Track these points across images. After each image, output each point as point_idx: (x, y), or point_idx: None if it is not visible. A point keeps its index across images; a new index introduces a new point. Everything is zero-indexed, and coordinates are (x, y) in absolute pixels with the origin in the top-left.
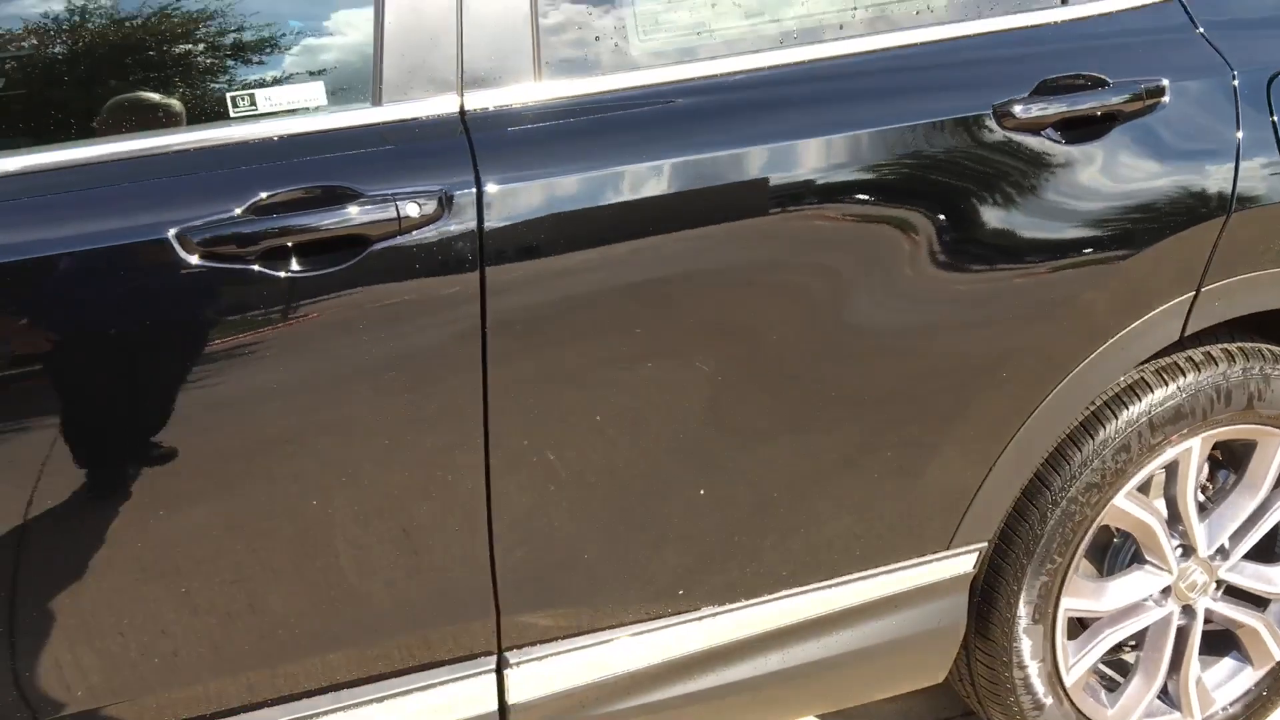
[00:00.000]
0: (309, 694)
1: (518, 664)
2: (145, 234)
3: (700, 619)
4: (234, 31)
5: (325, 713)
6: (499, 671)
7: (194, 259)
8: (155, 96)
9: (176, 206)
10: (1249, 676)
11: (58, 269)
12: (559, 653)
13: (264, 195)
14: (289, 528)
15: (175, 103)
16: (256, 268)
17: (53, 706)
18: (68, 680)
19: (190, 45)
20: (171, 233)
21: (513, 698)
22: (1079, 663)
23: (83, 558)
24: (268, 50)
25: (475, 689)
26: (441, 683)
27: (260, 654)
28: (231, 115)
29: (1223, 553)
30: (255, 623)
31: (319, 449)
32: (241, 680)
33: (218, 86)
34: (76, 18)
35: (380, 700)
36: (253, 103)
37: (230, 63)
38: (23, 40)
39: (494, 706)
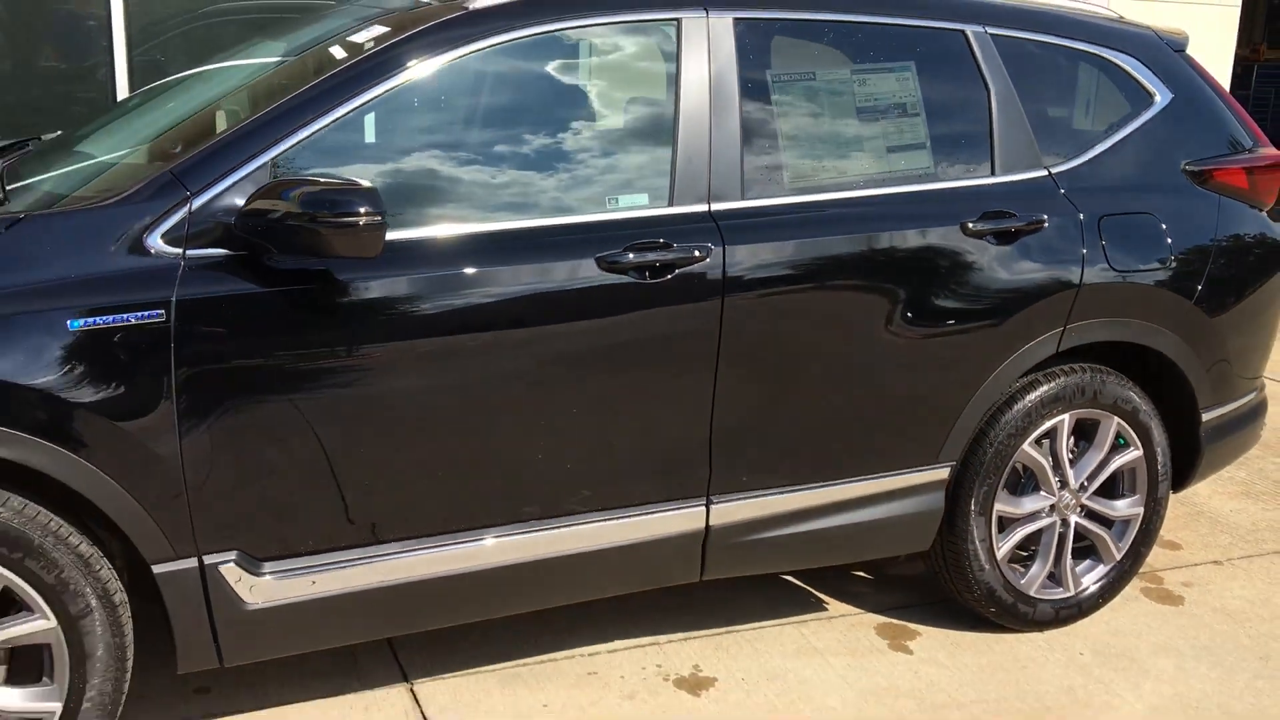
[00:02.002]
0: (597, 510)
1: (718, 502)
2: (585, 255)
3: (808, 489)
4: (610, 172)
5: (602, 521)
6: (707, 505)
7: (600, 271)
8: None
9: (593, 247)
10: (1102, 570)
11: (529, 277)
12: (740, 498)
13: (632, 243)
14: (616, 417)
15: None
16: (628, 276)
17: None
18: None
19: (590, 173)
20: (595, 257)
21: (714, 521)
22: (1004, 545)
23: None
24: (628, 175)
25: (691, 514)
26: (672, 510)
27: (583, 483)
28: (606, 208)
29: (1084, 488)
30: (588, 466)
31: (638, 370)
32: (567, 499)
33: (601, 194)
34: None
35: (634, 517)
36: (617, 203)
37: (608, 183)
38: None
39: (702, 525)
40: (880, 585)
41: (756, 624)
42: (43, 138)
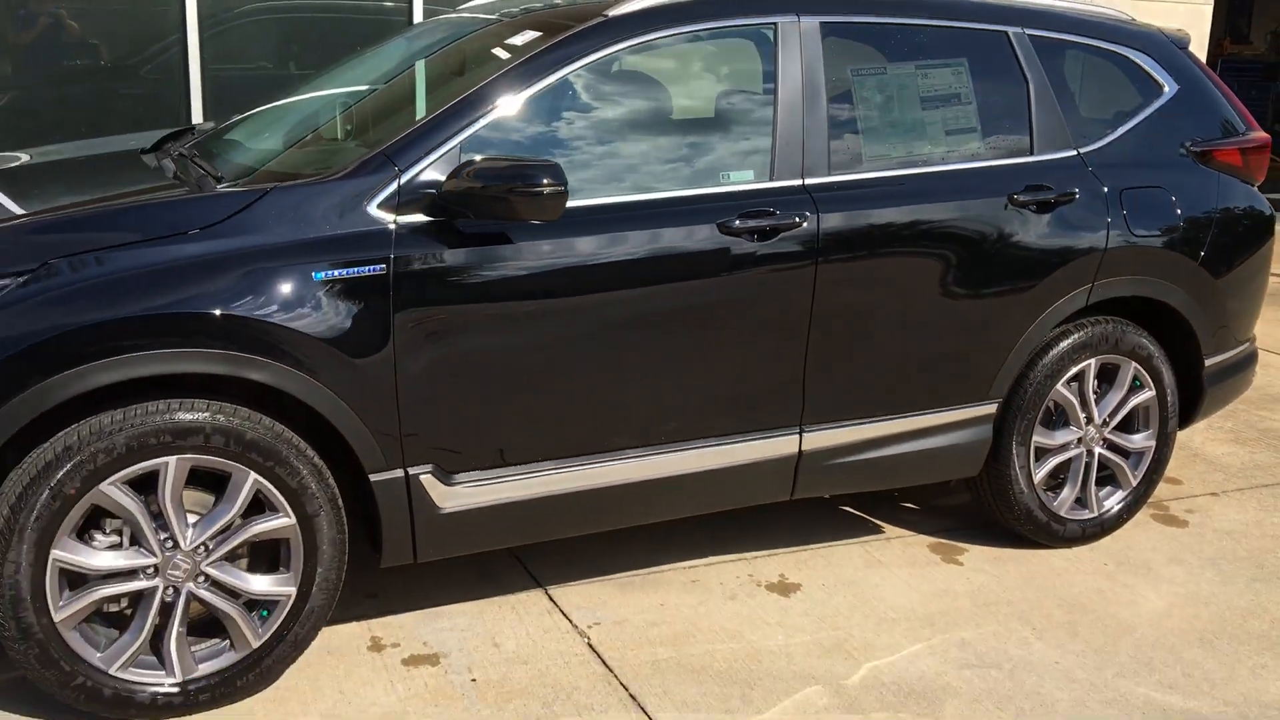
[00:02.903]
0: (711, 435)
1: (809, 431)
2: (707, 221)
3: (884, 420)
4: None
5: (714, 445)
6: (800, 433)
7: (719, 234)
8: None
9: (713, 215)
10: (1121, 494)
11: (674, 239)
12: (827, 428)
13: (743, 210)
14: (729, 357)
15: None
16: (740, 239)
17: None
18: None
19: (703, 149)
20: (715, 223)
21: (805, 446)
22: (1040, 471)
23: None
24: (737, 155)
25: (786, 440)
26: (771, 437)
27: (702, 412)
28: (720, 182)
29: (1106, 423)
30: (705, 397)
31: (748, 317)
32: (687, 426)
33: (715, 171)
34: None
35: (740, 443)
36: (730, 179)
37: (721, 161)
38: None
39: (795, 450)
40: (927, 513)
41: (827, 543)
42: (196, 128)
